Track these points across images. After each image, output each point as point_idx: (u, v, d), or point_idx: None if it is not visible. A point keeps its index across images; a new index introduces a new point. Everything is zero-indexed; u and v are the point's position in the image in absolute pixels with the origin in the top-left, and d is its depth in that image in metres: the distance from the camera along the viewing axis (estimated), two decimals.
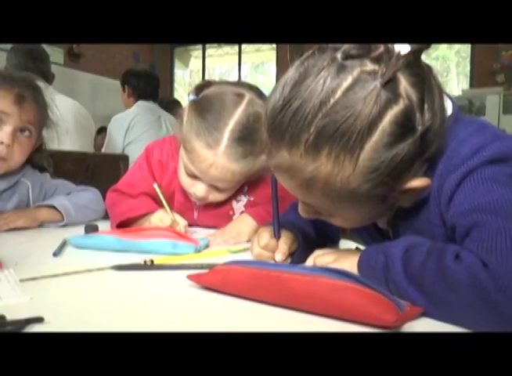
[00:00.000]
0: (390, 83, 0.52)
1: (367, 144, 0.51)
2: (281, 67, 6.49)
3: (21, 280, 0.64)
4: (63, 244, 0.88)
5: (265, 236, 0.71)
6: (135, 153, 2.06)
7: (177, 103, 3.49)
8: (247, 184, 1.07)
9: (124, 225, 1.03)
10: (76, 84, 5.06)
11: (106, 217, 1.30)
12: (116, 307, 0.55)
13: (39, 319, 0.47)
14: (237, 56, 6.98)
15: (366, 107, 0.51)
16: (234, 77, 7.91)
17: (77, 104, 2.12)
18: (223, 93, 0.94)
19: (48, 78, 2.17)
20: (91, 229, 1.04)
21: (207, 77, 7.46)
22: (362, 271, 0.61)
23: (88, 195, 1.28)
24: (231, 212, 1.07)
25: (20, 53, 2.08)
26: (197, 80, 8.05)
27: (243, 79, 7.40)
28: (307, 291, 0.51)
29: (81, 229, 1.04)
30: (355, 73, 0.52)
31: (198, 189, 0.99)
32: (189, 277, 0.60)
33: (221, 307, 0.55)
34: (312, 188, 0.56)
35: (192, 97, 0.97)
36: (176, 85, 7.54)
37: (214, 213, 1.07)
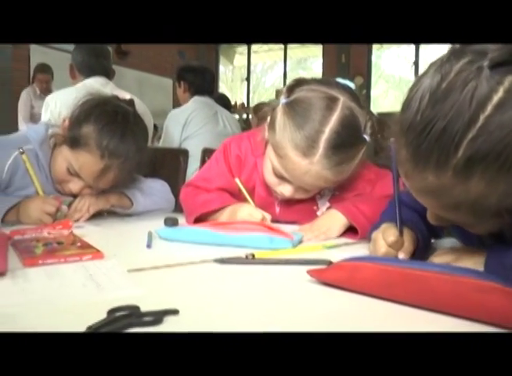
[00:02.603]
0: None
1: None
2: (327, 64, 6.41)
3: (129, 271, 0.63)
4: (151, 236, 0.87)
5: (394, 232, 0.66)
6: (191, 148, 2.05)
7: (225, 98, 3.49)
8: None
9: (199, 219, 1.01)
10: (123, 81, 5.15)
11: (177, 210, 1.30)
12: (238, 301, 0.53)
13: (174, 312, 0.45)
14: (282, 52, 6.94)
15: None
16: (276, 73, 7.90)
17: (136, 99, 2.14)
18: (316, 97, 0.90)
19: (110, 75, 2.20)
20: (171, 221, 1.03)
21: (247, 74, 7.49)
22: (489, 270, 0.56)
23: (156, 185, 1.30)
24: (315, 207, 1.04)
25: (85, 51, 2.12)
26: (239, 76, 8.08)
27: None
28: (447, 291, 0.48)
29: (155, 222, 1.04)
30: (507, 83, 0.46)
31: (285, 190, 0.97)
32: (310, 272, 0.57)
33: (349, 305, 0.52)
34: (459, 208, 0.52)
35: (284, 100, 0.93)
36: (219, 82, 7.59)
37: (298, 208, 1.04)
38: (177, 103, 3.60)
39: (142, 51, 5.74)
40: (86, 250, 0.73)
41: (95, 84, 2.12)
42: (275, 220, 1.06)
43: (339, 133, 0.87)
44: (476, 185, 0.48)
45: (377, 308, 0.51)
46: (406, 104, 0.53)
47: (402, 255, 0.66)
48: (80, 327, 0.41)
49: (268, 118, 0.98)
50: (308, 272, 0.57)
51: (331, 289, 0.56)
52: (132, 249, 0.81)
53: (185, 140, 2.27)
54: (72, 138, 1.06)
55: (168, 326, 0.43)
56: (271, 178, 0.99)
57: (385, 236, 0.67)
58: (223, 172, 1.09)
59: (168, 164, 1.91)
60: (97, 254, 0.72)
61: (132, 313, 0.44)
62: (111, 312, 0.44)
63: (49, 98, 2.17)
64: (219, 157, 1.12)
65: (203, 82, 2.40)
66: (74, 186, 1.10)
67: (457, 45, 0.52)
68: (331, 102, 0.89)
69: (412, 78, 7.01)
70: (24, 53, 5.30)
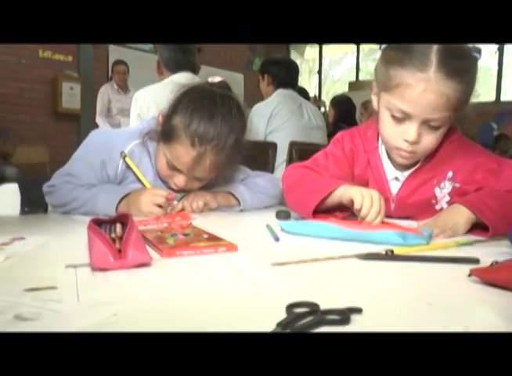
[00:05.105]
0: None
1: None
2: None
3: (272, 265, 0.62)
4: (272, 229, 0.86)
5: None
6: (276, 142, 2.05)
7: (305, 92, 3.46)
8: (452, 169, 0.98)
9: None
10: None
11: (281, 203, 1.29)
12: (409, 300, 0.50)
13: (358, 310, 0.43)
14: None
15: None
16: (345, 65, 7.76)
17: None
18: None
19: (196, 70, 2.25)
20: (283, 215, 1.03)
21: (319, 67, 7.42)
22: None
23: (263, 181, 1.29)
24: (433, 201, 0.99)
25: (171, 47, 2.17)
26: (307, 69, 8.02)
27: (354, 67, 7.28)
28: None
29: (263, 214, 1.05)
30: None
31: (410, 133, 0.92)
32: (474, 272, 0.54)
33: None
34: None
35: (384, 46, 0.96)
36: None
37: (415, 202, 0.99)
38: (248, 98, 3.60)
39: (214, 47, 5.81)
40: (219, 242, 0.73)
41: (182, 80, 2.17)
42: (389, 216, 1.02)
43: (447, 46, 0.88)
44: None
45: None
46: None
47: None
48: (260, 323, 0.40)
49: (374, 84, 0.99)
50: (472, 271, 0.54)
51: (500, 291, 0.52)
52: (259, 242, 0.80)
53: (271, 133, 2.27)
54: (165, 132, 1.08)
55: (356, 326, 0.41)
56: (390, 130, 0.96)
57: None
58: (340, 159, 1.08)
59: (257, 157, 1.92)
60: (231, 246, 0.71)
61: (314, 310, 0.43)
62: (290, 307, 0.43)
63: (138, 94, 2.25)
64: (333, 148, 1.10)
65: (286, 75, 2.38)
66: (178, 180, 1.10)
67: None
68: None
69: (492, 66, 6.59)
70: (104, 53, 5.58)
